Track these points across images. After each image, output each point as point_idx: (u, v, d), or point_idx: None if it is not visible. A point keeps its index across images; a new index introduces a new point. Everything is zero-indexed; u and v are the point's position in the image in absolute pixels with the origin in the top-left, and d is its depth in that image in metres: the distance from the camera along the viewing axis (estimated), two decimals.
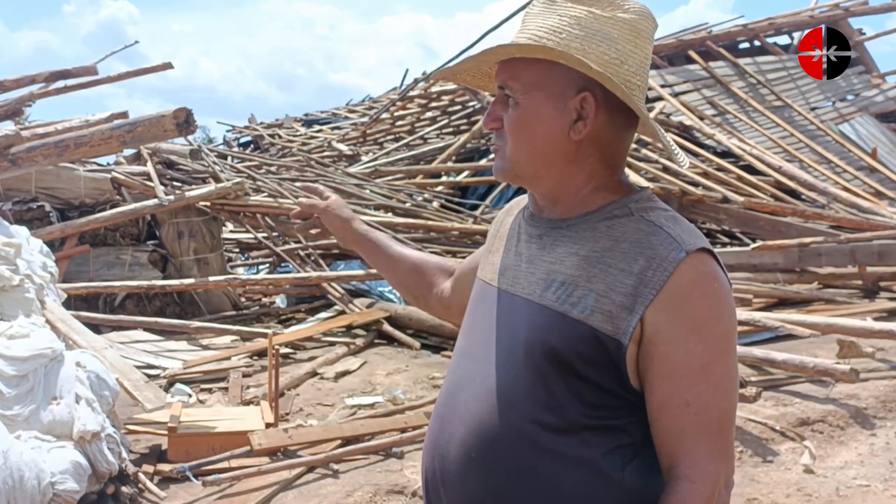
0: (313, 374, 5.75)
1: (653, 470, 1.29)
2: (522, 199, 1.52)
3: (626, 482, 1.27)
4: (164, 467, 4.01)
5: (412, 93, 14.82)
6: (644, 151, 10.46)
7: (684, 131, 11.44)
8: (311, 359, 6.08)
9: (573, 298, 1.28)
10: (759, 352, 5.12)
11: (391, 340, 6.64)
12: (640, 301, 1.23)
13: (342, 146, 14.15)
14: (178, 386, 5.41)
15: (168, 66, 9.74)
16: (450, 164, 11.96)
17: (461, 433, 1.33)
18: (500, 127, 1.36)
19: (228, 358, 6.03)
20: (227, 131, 20.21)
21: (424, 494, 1.45)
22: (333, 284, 7.50)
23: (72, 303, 6.03)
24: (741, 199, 9.39)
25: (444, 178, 11.59)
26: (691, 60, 13.16)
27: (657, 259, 1.24)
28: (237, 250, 9.89)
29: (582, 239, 1.32)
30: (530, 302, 1.33)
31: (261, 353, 6.02)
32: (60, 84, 9.31)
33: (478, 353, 1.38)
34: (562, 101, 1.31)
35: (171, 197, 7.69)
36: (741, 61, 13.39)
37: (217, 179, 8.60)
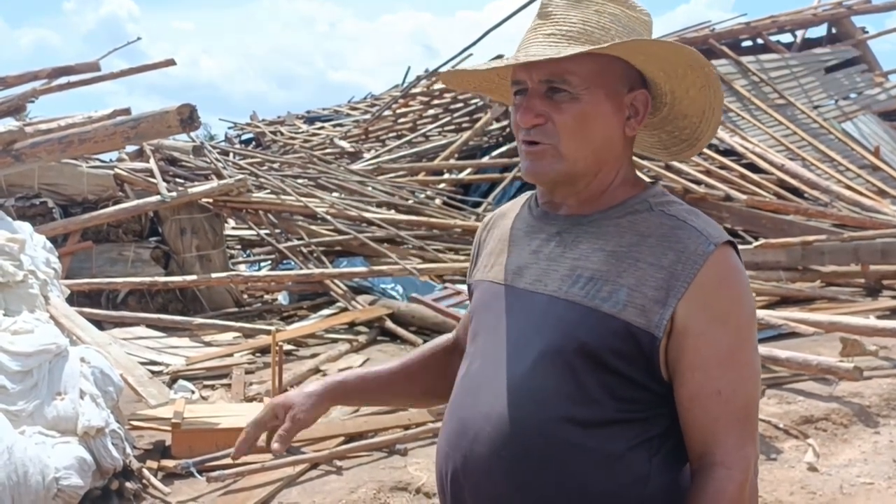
0: (316, 370, 5.75)
1: (678, 461, 1.31)
2: (517, 202, 1.52)
3: (653, 474, 1.28)
4: (168, 463, 4.01)
5: (414, 90, 14.80)
6: None
7: None
8: (314, 356, 6.08)
9: (603, 293, 1.28)
10: (762, 350, 5.11)
11: (394, 338, 6.64)
12: (673, 294, 1.25)
13: (344, 143, 14.14)
14: (181, 382, 5.41)
15: (171, 62, 9.74)
16: (452, 161, 11.95)
17: (487, 432, 1.32)
18: (544, 123, 1.32)
19: (231, 355, 6.04)
20: (229, 128, 20.20)
21: (441, 495, 1.43)
22: (336, 281, 7.50)
23: (74, 299, 6.02)
24: (744, 197, 9.38)
25: (446, 176, 11.59)
26: None
27: (687, 253, 1.27)
28: (239, 247, 9.89)
29: (606, 235, 1.33)
30: (555, 298, 1.32)
31: (263, 350, 6.02)
32: (63, 80, 9.31)
33: (497, 352, 1.36)
34: (618, 97, 1.33)
35: (174, 194, 7.70)
36: (744, 59, 13.36)
37: (219, 176, 8.61)
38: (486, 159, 11.71)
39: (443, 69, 13.73)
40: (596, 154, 1.33)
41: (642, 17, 1.36)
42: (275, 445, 1.46)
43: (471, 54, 12.57)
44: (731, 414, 1.27)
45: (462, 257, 8.12)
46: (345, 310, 7.15)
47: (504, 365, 1.34)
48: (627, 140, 1.37)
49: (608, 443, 1.27)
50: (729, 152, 10.97)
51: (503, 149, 11.61)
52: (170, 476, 3.92)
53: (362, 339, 6.50)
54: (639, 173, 1.43)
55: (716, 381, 1.26)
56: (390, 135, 14.55)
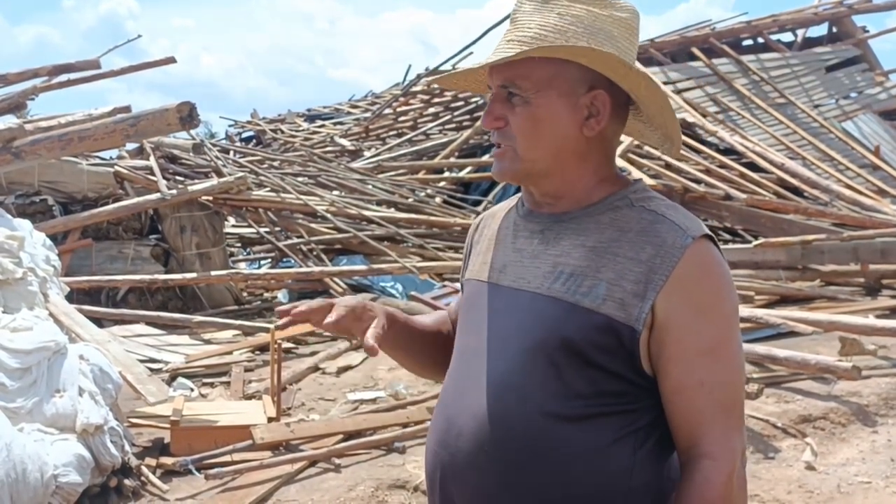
0: (315, 368, 5.76)
1: (663, 453, 1.33)
2: (507, 203, 1.54)
3: (638, 467, 1.30)
4: (167, 460, 4.01)
5: (415, 88, 14.81)
6: (647, 148, 10.44)
7: (687, 128, 11.41)
8: (313, 354, 6.09)
9: (583, 289, 1.30)
10: (761, 349, 5.12)
11: None
12: (652, 288, 1.27)
13: (345, 141, 14.15)
14: (181, 380, 5.42)
15: (171, 60, 9.76)
16: (452, 159, 11.96)
17: (472, 428, 1.34)
18: (504, 126, 1.35)
19: (230, 352, 6.05)
20: (230, 126, 20.22)
21: (430, 492, 1.44)
22: (335, 279, 7.51)
23: (74, 296, 6.03)
24: (744, 196, 9.37)
25: (446, 174, 11.59)
26: (694, 57, 13.13)
27: (665, 246, 1.28)
28: (239, 245, 9.90)
29: (586, 231, 1.35)
30: (537, 295, 1.34)
31: (263, 348, 6.03)
32: (63, 78, 9.32)
33: (482, 349, 1.38)
34: (573, 98, 1.33)
35: (174, 191, 7.70)
36: (744, 58, 13.36)
37: (220, 174, 8.61)
38: (486, 157, 11.69)
39: (443, 67, 13.76)
40: (554, 154, 1.35)
41: (618, 14, 1.35)
42: (370, 341, 1.39)
43: (471, 52, 12.60)
44: (715, 405, 1.28)
45: (462, 256, 8.11)
46: None
47: (488, 362, 1.36)
48: (592, 140, 1.36)
49: (592, 436, 1.28)
50: (729, 151, 10.97)
51: None
52: (168, 473, 3.92)
53: None
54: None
55: (698, 373, 1.27)
56: (391, 133, 14.55)
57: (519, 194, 1.54)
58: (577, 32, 1.32)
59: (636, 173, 9.23)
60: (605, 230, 1.34)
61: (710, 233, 1.33)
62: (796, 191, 10.24)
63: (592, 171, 1.38)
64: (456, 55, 13.56)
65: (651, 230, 1.31)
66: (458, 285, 6.79)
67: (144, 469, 3.84)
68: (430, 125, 13.72)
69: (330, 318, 1.42)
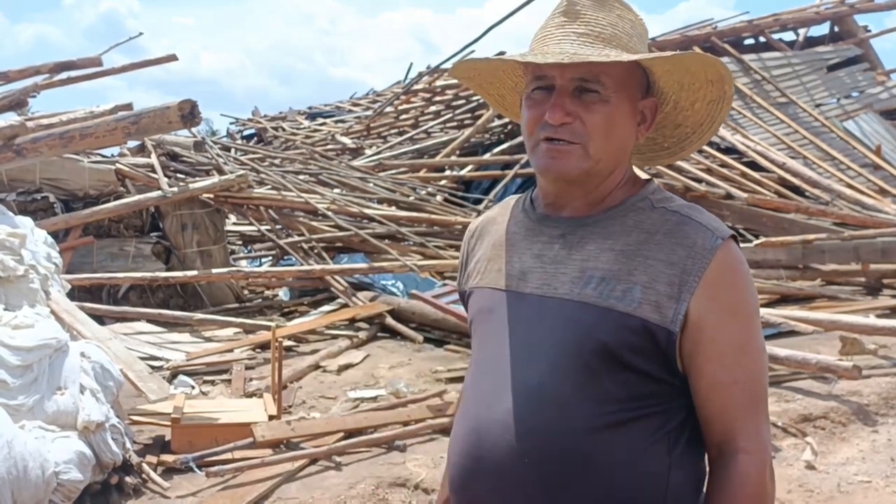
0: (316, 366, 5.77)
1: (694, 451, 1.35)
2: (504, 207, 1.52)
3: (674, 466, 1.31)
4: (168, 458, 4.02)
5: (416, 87, 14.80)
6: None
7: None
8: (314, 352, 6.09)
9: (617, 293, 1.30)
10: None
11: (394, 334, 6.65)
12: (686, 289, 1.28)
13: (346, 139, 14.14)
14: (182, 377, 5.43)
15: (172, 58, 9.75)
16: (453, 158, 11.95)
17: (508, 440, 1.32)
18: (572, 122, 1.33)
19: (231, 350, 6.05)
20: (231, 124, 20.22)
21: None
22: (336, 277, 7.51)
23: (75, 294, 6.03)
24: (745, 195, 9.38)
25: (447, 173, 11.59)
26: None
27: (696, 248, 1.30)
28: (240, 243, 9.91)
29: (612, 234, 1.35)
30: (567, 301, 1.33)
31: (264, 346, 6.04)
32: (64, 75, 9.31)
33: (508, 359, 1.36)
34: (634, 102, 1.36)
35: (175, 189, 7.71)
36: (746, 57, 13.34)
37: (221, 172, 8.61)
38: (487, 156, 11.71)
39: (445, 66, 13.76)
40: (616, 155, 1.37)
41: (644, 25, 1.40)
42: None
43: (473, 51, 12.57)
44: (747, 401, 1.31)
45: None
46: (345, 306, 7.16)
47: (518, 371, 1.34)
48: (633, 145, 1.41)
49: (630, 439, 1.29)
50: (730, 150, 10.97)
51: (505, 146, 11.61)
52: (169, 471, 3.93)
53: (362, 335, 6.52)
54: (636, 170, 1.45)
55: (732, 371, 1.30)
56: (392, 131, 14.55)
57: (511, 198, 1.52)
58: (637, 38, 1.36)
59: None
60: (632, 233, 1.34)
61: (733, 233, 1.35)
62: (797, 190, 10.24)
63: (626, 175, 1.41)
64: (457, 54, 13.54)
65: (679, 232, 1.32)
66: None
67: (145, 466, 3.85)
68: (432, 123, 13.71)
69: None
